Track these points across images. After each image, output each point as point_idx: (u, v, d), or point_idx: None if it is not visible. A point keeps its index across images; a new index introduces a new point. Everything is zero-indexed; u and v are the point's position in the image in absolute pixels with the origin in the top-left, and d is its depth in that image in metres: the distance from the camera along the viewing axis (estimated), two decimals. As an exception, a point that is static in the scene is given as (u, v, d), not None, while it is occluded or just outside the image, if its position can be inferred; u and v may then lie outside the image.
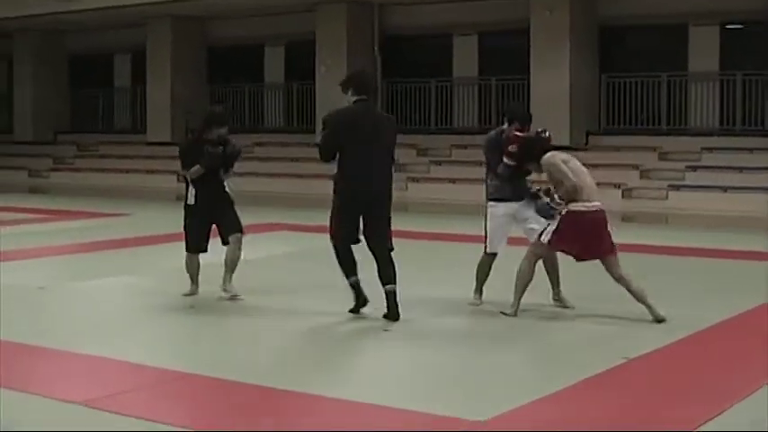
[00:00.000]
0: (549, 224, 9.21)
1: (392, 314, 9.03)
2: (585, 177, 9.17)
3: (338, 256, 9.27)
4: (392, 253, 9.19)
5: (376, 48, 27.47)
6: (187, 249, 10.26)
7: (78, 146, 32.54)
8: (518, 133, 9.46)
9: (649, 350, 7.99)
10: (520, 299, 9.28)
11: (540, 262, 9.51)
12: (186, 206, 10.21)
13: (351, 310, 9.30)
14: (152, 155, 29.38)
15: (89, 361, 7.72)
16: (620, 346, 8.14)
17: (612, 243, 9.19)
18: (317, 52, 27.37)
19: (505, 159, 9.45)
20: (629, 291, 9.10)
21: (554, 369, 7.60)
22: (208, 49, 31.13)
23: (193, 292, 10.30)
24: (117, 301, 10.53)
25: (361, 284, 9.22)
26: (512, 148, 9.42)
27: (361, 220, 9.16)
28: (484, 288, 9.90)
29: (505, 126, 9.67)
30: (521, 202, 9.61)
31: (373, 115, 9.34)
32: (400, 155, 25.13)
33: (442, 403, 6.53)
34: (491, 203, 9.75)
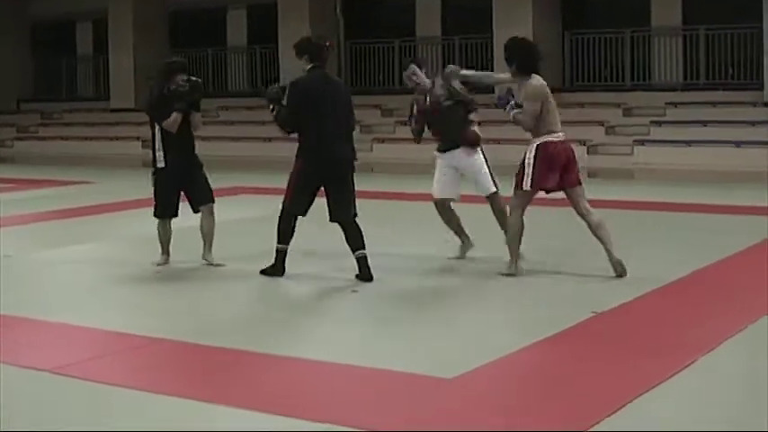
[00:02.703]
0: (522, 169, 9.13)
1: (364, 276, 9.09)
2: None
3: (281, 220, 9.30)
4: (357, 216, 9.21)
5: (338, 9, 27.33)
6: (157, 215, 10.07)
7: (42, 114, 32.29)
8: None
9: (617, 304, 8.04)
10: (517, 255, 9.23)
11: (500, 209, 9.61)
12: (155, 170, 9.99)
13: (263, 271, 9.39)
14: (116, 121, 29.20)
15: (56, 329, 7.71)
16: (588, 300, 8.18)
17: (579, 174, 9.16)
18: (279, 15, 27.21)
19: None
20: (591, 225, 9.08)
21: (521, 326, 7.63)
22: (170, 14, 30.88)
23: (164, 262, 10.08)
24: (84, 268, 10.47)
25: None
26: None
27: (325, 191, 9.18)
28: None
29: None
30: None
31: (331, 83, 9.44)
32: (365, 116, 25.22)
33: (409, 362, 6.55)
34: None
